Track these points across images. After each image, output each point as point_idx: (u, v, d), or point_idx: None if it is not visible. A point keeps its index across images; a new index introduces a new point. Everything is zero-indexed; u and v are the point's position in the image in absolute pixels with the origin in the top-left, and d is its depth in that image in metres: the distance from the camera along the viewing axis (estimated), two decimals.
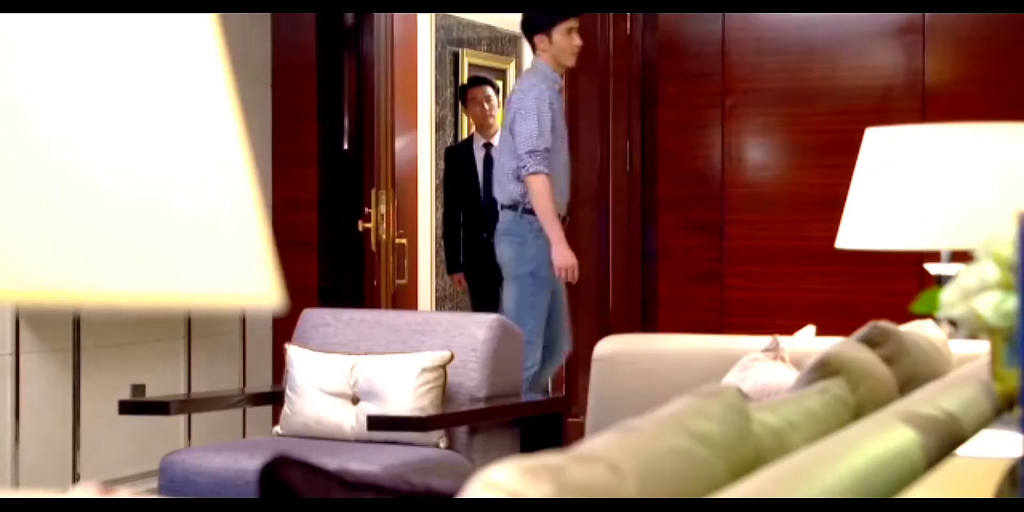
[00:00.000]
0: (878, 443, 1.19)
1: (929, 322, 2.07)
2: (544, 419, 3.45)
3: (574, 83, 4.78)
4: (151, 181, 0.68)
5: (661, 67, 4.63)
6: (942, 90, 4.17)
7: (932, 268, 2.33)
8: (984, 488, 1.09)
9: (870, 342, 1.78)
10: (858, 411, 1.50)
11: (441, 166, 6.06)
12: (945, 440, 1.32)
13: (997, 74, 4.12)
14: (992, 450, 1.26)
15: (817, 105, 4.32)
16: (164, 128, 0.70)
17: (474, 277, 5.40)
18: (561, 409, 3.53)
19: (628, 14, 4.68)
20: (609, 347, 2.86)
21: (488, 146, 5.37)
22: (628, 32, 4.71)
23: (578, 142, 4.77)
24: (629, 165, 4.73)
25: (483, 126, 5.50)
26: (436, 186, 6.30)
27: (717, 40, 4.49)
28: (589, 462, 0.92)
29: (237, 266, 0.71)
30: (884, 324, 1.81)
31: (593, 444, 0.99)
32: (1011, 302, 1.21)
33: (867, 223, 2.28)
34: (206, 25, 0.74)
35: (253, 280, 0.72)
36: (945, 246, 2.27)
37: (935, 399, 1.46)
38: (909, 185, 2.22)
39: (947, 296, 1.28)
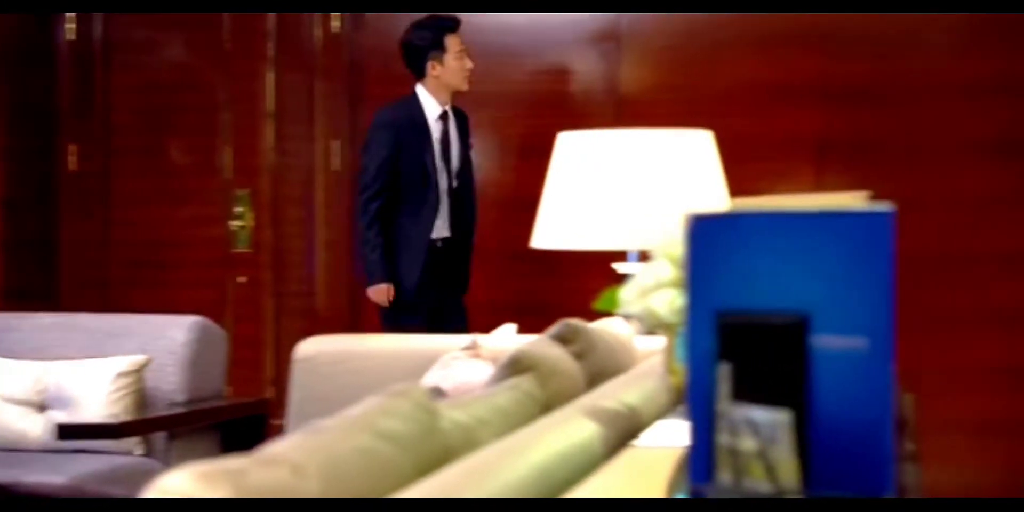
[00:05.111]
0: (561, 436, 1.24)
1: (619, 319, 2.16)
2: (248, 422, 3.39)
3: (280, 82, 4.72)
4: None
5: (368, 66, 4.64)
6: (636, 97, 4.37)
7: (620, 267, 2.44)
8: (656, 475, 1.15)
9: (561, 339, 1.84)
10: (547, 406, 1.56)
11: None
12: (625, 432, 1.38)
13: (687, 82, 4.35)
14: (665, 439, 1.33)
15: (518, 108, 4.43)
16: None
17: (426, 289, 3.97)
18: (264, 412, 3.48)
19: (336, 13, 4.66)
20: (311, 348, 2.84)
21: (445, 117, 4.05)
22: (335, 31, 4.69)
23: (285, 141, 4.72)
24: (335, 164, 4.71)
25: (458, 88, 4.06)
26: None
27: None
28: (271, 464, 0.91)
29: None
30: (574, 321, 1.88)
31: (278, 446, 0.98)
32: (683, 299, 1.28)
33: (560, 224, 2.36)
34: None
35: None
36: (631, 246, 2.38)
37: (618, 393, 1.52)
38: (598, 187, 2.32)
39: (626, 294, 1.34)
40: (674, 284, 1.29)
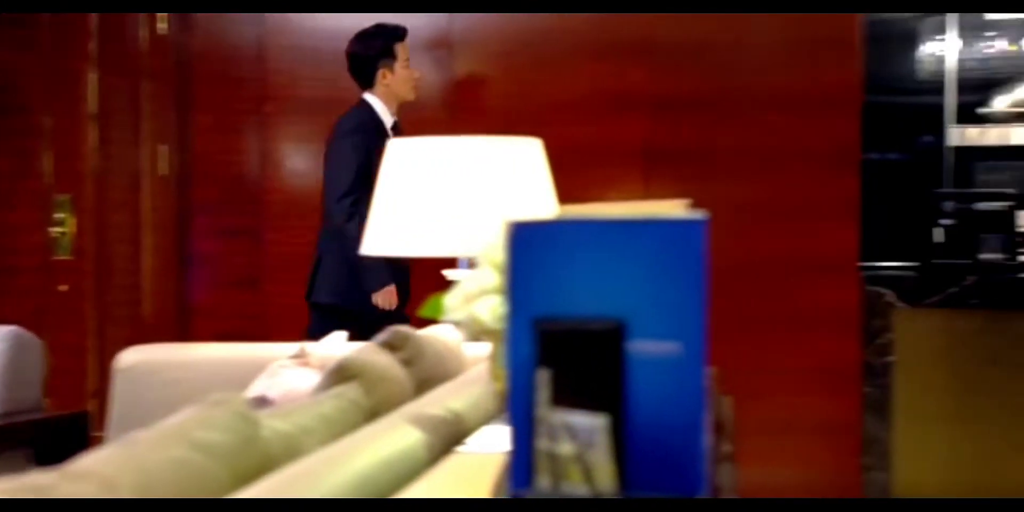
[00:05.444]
0: (385, 444, 1.23)
1: (449, 325, 2.17)
2: (67, 436, 3.28)
3: (103, 84, 4.58)
4: None
5: (197, 69, 4.55)
6: (468, 103, 4.39)
7: (449, 274, 2.45)
8: (479, 481, 1.16)
9: (389, 346, 1.83)
10: (373, 413, 1.55)
11: None
12: (450, 438, 1.38)
13: (519, 90, 4.39)
14: (490, 445, 1.34)
15: None
16: None
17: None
18: (84, 424, 3.36)
19: (164, 14, 4.55)
20: (133, 357, 2.77)
21: (396, 128, 3.98)
22: (161, 32, 4.58)
23: (108, 145, 4.58)
24: (163, 169, 4.61)
25: (405, 98, 4.02)
26: None
27: (253, 45, 4.47)
28: (79, 479, 0.89)
29: None
30: (403, 328, 1.88)
31: (87, 460, 0.95)
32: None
33: (390, 230, 2.36)
34: None
35: None
36: (460, 253, 2.39)
37: (444, 399, 1.53)
38: (428, 194, 2.32)
39: (450, 301, 1.35)
40: (498, 291, 1.30)
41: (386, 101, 3.95)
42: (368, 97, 3.96)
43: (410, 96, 3.99)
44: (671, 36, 4.28)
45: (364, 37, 3.97)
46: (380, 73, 3.93)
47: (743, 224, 4.20)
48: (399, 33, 3.97)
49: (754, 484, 3.44)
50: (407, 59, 3.97)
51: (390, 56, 3.94)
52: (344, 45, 4.09)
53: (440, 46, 4.42)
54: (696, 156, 4.29)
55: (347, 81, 4.40)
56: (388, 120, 3.95)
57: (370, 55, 3.93)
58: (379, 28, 3.98)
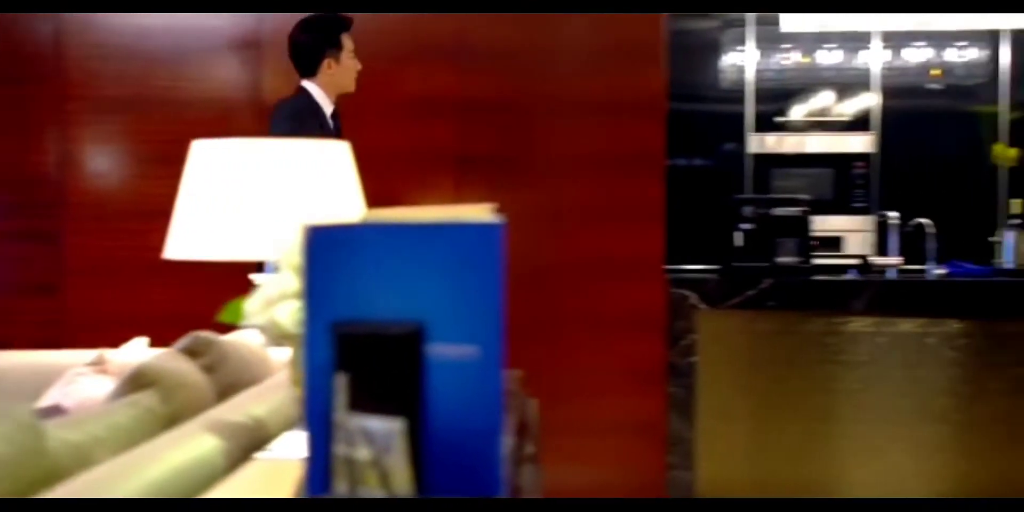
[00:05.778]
0: (180, 452, 1.21)
1: (252, 330, 2.13)
2: None
3: None
4: None
5: None
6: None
7: (256, 278, 2.40)
8: (277, 487, 1.14)
9: (191, 352, 1.79)
10: (172, 421, 1.51)
11: None
12: (250, 444, 1.36)
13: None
14: (291, 451, 1.32)
15: (158, 115, 4.29)
16: None
17: None
18: None
19: None
20: None
21: (336, 117, 3.89)
22: None
23: None
24: None
25: (346, 90, 3.91)
26: None
27: (50, 42, 4.31)
28: None
29: None
30: (205, 334, 1.84)
31: None
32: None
33: (193, 233, 2.30)
34: None
35: None
36: (266, 257, 2.35)
37: (245, 405, 1.50)
38: (233, 197, 2.28)
39: (251, 305, 1.32)
40: (298, 295, 1.28)
41: (327, 90, 3.88)
42: (307, 85, 3.87)
43: (351, 88, 3.93)
44: (480, 39, 4.31)
45: (311, 26, 3.90)
46: (325, 63, 3.85)
47: (551, 227, 4.26)
48: (346, 23, 3.92)
49: (560, 484, 3.50)
50: (352, 50, 3.90)
51: (337, 46, 3.87)
52: (152, 43, 3.99)
53: (249, 47, 4.35)
54: (506, 160, 4.33)
55: (157, 79, 4.29)
56: (328, 108, 3.88)
57: (317, 44, 3.87)
58: (326, 17, 3.93)
